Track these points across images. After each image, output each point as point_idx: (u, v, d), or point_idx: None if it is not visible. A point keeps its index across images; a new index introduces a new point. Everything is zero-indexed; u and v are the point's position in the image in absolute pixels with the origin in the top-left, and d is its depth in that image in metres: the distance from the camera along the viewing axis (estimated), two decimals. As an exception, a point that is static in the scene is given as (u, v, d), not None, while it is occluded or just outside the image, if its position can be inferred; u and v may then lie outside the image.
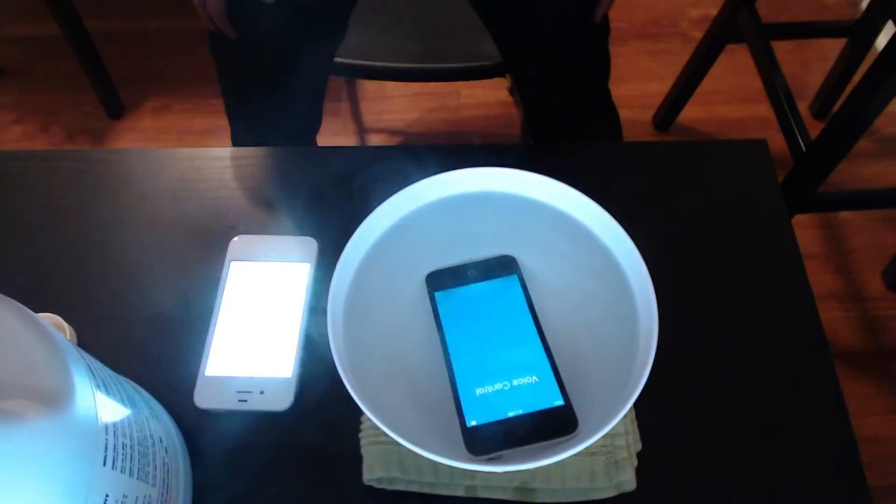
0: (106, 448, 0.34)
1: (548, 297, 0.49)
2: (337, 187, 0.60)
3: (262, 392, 0.50)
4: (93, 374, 0.36)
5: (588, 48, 0.79)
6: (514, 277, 0.50)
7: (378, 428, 0.39)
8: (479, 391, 0.44)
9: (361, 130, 1.54)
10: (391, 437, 0.38)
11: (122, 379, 0.42)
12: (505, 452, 0.42)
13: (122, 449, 0.35)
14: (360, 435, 0.47)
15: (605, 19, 0.80)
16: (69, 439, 0.31)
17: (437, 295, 0.49)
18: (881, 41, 1.39)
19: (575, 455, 0.39)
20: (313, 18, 0.78)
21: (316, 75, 0.86)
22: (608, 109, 0.88)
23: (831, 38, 1.47)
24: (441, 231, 0.50)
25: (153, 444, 0.40)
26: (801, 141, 1.14)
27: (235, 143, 0.87)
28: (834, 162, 1.10)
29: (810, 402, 0.49)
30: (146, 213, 0.60)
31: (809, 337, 0.52)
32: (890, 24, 1.35)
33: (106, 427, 0.34)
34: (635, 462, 0.46)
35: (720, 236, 0.57)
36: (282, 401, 0.49)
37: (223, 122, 0.88)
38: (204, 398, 0.50)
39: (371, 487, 0.46)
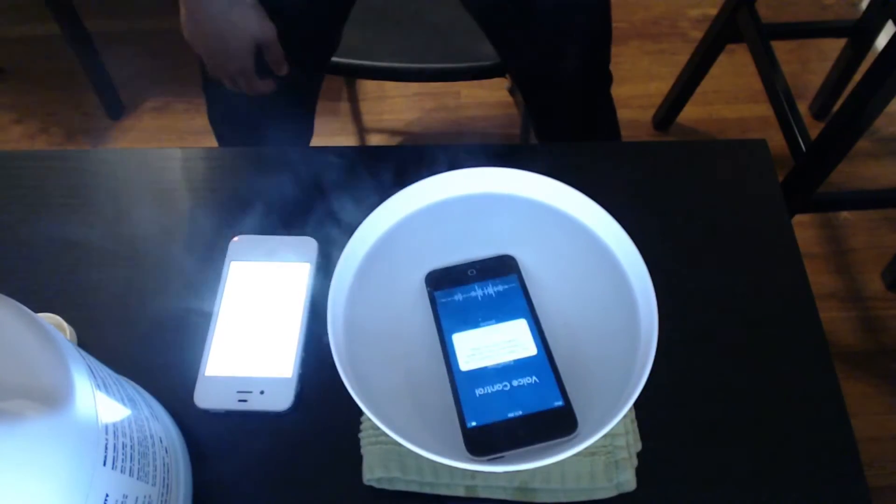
0: (106, 448, 0.34)
1: (548, 297, 0.49)
2: (337, 187, 0.60)
3: (262, 392, 0.50)
4: (93, 374, 0.36)
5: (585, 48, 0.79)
6: (514, 277, 0.50)
7: (378, 428, 0.39)
8: (479, 392, 0.44)
9: (361, 130, 1.54)
10: (391, 437, 0.38)
11: (122, 379, 0.42)
12: (505, 453, 0.42)
13: (122, 449, 0.35)
14: (360, 435, 0.47)
15: (607, 20, 0.80)
16: (69, 439, 0.31)
17: (437, 294, 0.49)
18: (881, 41, 1.39)
19: (575, 455, 0.39)
20: (307, 30, 0.77)
21: (310, 86, 0.85)
22: (606, 109, 0.88)
23: (831, 38, 1.48)
24: (441, 231, 0.50)
25: (153, 444, 0.40)
26: (801, 141, 1.14)
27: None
28: (834, 162, 1.10)
29: (810, 403, 0.49)
30: (146, 214, 0.60)
31: (809, 337, 0.52)
32: (890, 24, 1.35)
33: (106, 427, 0.34)
34: (635, 462, 0.46)
35: (720, 236, 0.57)
36: (282, 401, 0.49)
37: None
38: (204, 398, 0.50)
39: (371, 487, 0.46)
